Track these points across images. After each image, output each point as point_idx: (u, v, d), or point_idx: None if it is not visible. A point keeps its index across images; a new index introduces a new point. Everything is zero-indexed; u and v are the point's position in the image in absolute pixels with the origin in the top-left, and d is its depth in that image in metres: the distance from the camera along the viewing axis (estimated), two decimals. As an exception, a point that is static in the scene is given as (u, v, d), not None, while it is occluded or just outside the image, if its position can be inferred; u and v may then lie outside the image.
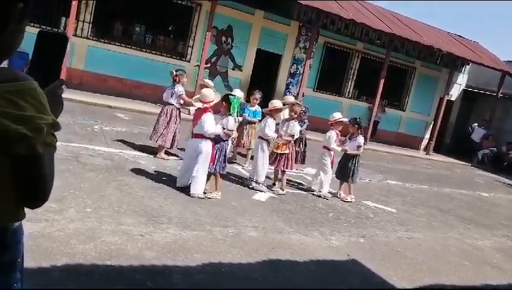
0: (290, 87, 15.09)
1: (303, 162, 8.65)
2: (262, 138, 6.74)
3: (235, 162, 7.98)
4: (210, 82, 7.73)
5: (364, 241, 5.47)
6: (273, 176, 7.13)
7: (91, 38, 11.97)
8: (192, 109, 6.58)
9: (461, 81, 18.72)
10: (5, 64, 1.23)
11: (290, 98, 8.31)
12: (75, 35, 11.39)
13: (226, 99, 5.89)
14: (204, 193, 5.66)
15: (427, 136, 17.83)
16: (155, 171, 6.29)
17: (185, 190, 5.66)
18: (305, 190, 7.32)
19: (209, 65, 13.42)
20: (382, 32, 14.39)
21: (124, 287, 3.23)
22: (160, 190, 5.52)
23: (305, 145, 8.65)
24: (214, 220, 4.94)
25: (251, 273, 3.92)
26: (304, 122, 8.42)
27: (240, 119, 7.16)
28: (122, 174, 5.81)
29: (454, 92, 18.58)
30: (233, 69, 14.03)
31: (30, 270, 2.84)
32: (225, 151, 5.86)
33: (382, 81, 14.67)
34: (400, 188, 9.47)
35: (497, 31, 61.11)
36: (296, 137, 7.16)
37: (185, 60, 13.11)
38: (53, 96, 1.26)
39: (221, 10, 12.75)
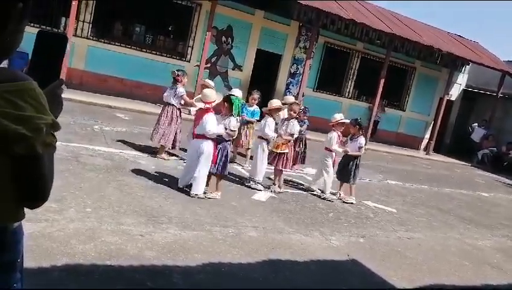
0: (290, 87, 15.09)
1: (303, 162, 8.67)
2: (262, 138, 6.74)
3: (235, 162, 7.98)
4: (211, 82, 7.73)
5: (364, 241, 5.47)
6: (273, 176, 7.12)
7: (91, 38, 11.97)
8: (194, 110, 6.58)
9: (461, 81, 18.72)
10: (5, 64, 1.23)
11: (290, 98, 8.30)
12: (75, 35, 11.38)
13: (228, 100, 5.88)
14: (204, 193, 5.66)
15: (427, 136, 17.83)
16: (155, 171, 6.29)
17: (185, 190, 5.67)
18: (305, 190, 7.32)
19: (209, 65, 13.42)
20: (382, 32, 14.39)
21: (124, 287, 3.23)
22: (160, 190, 5.52)
23: (305, 145, 8.67)
24: (214, 220, 4.94)
25: (251, 273, 3.92)
26: (304, 123, 8.43)
27: (239, 119, 7.16)
28: (122, 174, 5.81)
29: (454, 92, 18.58)
30: (233, 69, 14.02)
31: (30, 270, 2.84)
32: (227, 152, 5.86)
33: (382, 81, 14.67)
34: (400, 188, 9.47)
35: (497, 31, 61.15)
36: (295, 136, 7.17)
37: (185, 60, 13.11)
38: (53, 96, 1.26)
39: (221, 10, 12.76)
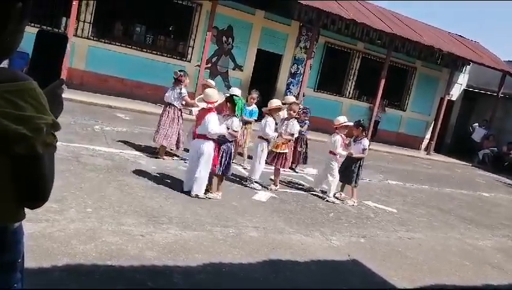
0: (290, 87, 15.08)
1: (305, 162, 8.67)
2: (262, 138, 6.74)
3: (234, 163, 7.97)
4: (212, 82, 7.73)
5: (365, 241, 5.46)
6: (273, 176, 7.12)
7: (92, 38, 11.97)
8: (195, 110, 6.58)
9: (462, 81, 18.71)
10: (5, 64, 1.23)
11: (291, 98, 8.31)
12: (75, 35, 11.39)
13: (230, 100, 5.86)
14: (205, 193, 5.65)
15: (428, 136, 17.82)
16: (156, 172, 6.29)
17: (185, 190, 5.66)
18: (305, 190, 7.32)
19: (209, 65, 13.41)
20: (383, 32, 14.38)
21: (124, 288, 3.23)
22: (160, 190, 5.52)
23: (306, 145, 8.68)
24: (214, 220, 4.94)
25: (252, 273, 3.91)
26: (305, 123, 8.44)
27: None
28: (123, 174, 5.81)
29: (455, 92, 18.57)
30: (233, 69, 14.02)
31: (31, 271, 2.84)
32: (231, 153, 5.83)
33: (383, 81, 14.66)
34: (401, 188, 9.47)
35: (497, 31, 61.11)
36: (295, 136, 7.17)
37: (185, 60, 13.11)
38: (53, 96, 1.26)
39: (222, 10, 12.76)
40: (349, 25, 14.91)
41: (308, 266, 4.34)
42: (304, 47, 14.86)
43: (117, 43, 12.24)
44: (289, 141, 6.97)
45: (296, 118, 7.20)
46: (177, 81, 7.12)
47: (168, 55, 12.93)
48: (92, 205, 4.51)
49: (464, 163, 16.77)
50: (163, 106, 7.38)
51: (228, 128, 5.66)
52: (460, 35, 19.01)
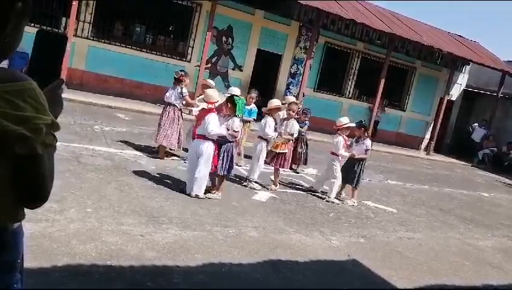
0: (290, 87, 15.08)
1: (305, 163, 8.66)
2: (261, 138, 6.74)
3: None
4: (212, 82, 7.73)
5: (364, 241, 5.46)
6: (273, 176, 7.12)
7: (91, 38, 11.96)
8: (196, 110, 6.57)
9: (461, 81, 18.71)
10: (5, 64, 1.23)
11: (291, 98, 8.30)
12: (75, 35, 11.38)
13: (231, 100, 5.85)
14: (205, 193, 5.65)
15: (428, 136, 17.82)
16: (155, 172, 6.29)
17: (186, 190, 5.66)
18: (305, 190, 7.32)
19: (209, 65, 13.41)
20: (382, 32, 14.38)
21: (124, 288, 3.23)
22: (160, 190, 5.52)
23: (307, 146, 8.67)
24: (214, 220, 4.94)
25: (252, 273, 3.91)
26: (305, 124, 8.44)
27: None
28: (123, 174, 5.81)
29: (455, 92, 18.57)
30: (233, 69, 14.02)
31: (30, 271, 2.84)
32: (232, 153, 5.82)
33: (382, 81, 14.67)
34: (401, 188, 9.47)
35: (497, 31, 61.14)
36: (295, 136, 7.17)
37: (185, 60, 13.10)
38: (53, 96, 1.25)
39: (222, 10, 12.75)
40: (349, 25, 14.91)
41: (308, 266, 4.35)
42: (304, 47, 14.86)
43: (117, 43, 12.24)
44: (289, 141, 6.97)
45: (296, 118, 7.20)
46: (178, 81, 7.12)
47: (168, 56, 12.93)
48: (91, 205, 4.51)
49: (464, 163, 16.77)
50: (163, 106, 7.38)
51: (228, 129, 5.65)
52: (460, 35, 19.02)
